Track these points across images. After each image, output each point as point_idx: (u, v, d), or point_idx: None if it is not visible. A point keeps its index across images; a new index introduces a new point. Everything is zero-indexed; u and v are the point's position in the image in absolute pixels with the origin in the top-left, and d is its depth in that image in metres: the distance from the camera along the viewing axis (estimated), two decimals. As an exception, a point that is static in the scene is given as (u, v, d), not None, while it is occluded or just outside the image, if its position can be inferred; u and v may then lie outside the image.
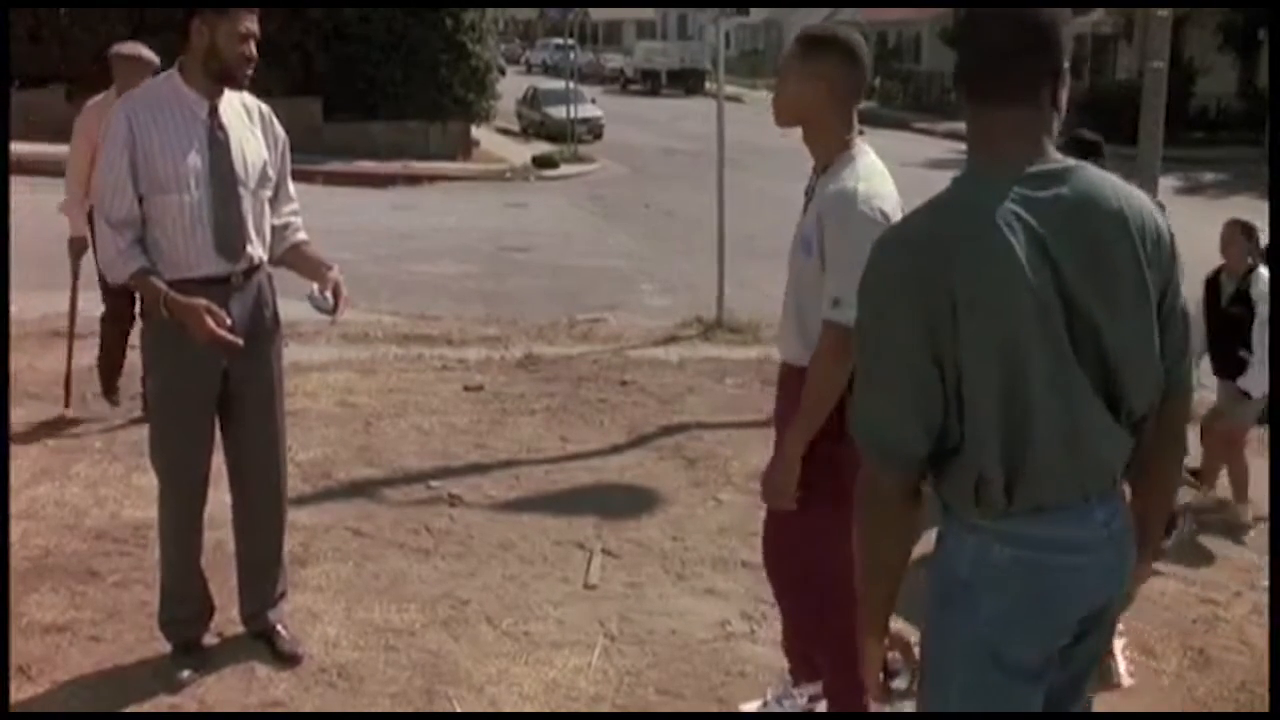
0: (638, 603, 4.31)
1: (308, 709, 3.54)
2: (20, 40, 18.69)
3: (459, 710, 3.58)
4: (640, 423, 6.48)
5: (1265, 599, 4.54)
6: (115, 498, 5.01)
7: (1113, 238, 1.95)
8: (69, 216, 5.94)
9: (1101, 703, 3.69)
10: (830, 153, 3.03)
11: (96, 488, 5.13)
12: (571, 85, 25.39)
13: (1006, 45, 1.95)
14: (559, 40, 44.83)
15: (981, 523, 2.00)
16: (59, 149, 18.14)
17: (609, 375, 7.45)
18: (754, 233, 11.50)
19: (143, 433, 5.54)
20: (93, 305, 8.19)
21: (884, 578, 2.09)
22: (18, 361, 6.63)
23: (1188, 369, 2.13)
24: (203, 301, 3.31)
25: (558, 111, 26.38)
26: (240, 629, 3.85)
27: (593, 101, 29.36)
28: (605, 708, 3.63)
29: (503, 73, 24.49)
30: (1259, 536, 5.32)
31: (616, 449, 6.06)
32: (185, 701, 3.53)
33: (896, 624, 2.16)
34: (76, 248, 5.96)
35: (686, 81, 45.81)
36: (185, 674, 3.61)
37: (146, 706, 3.50)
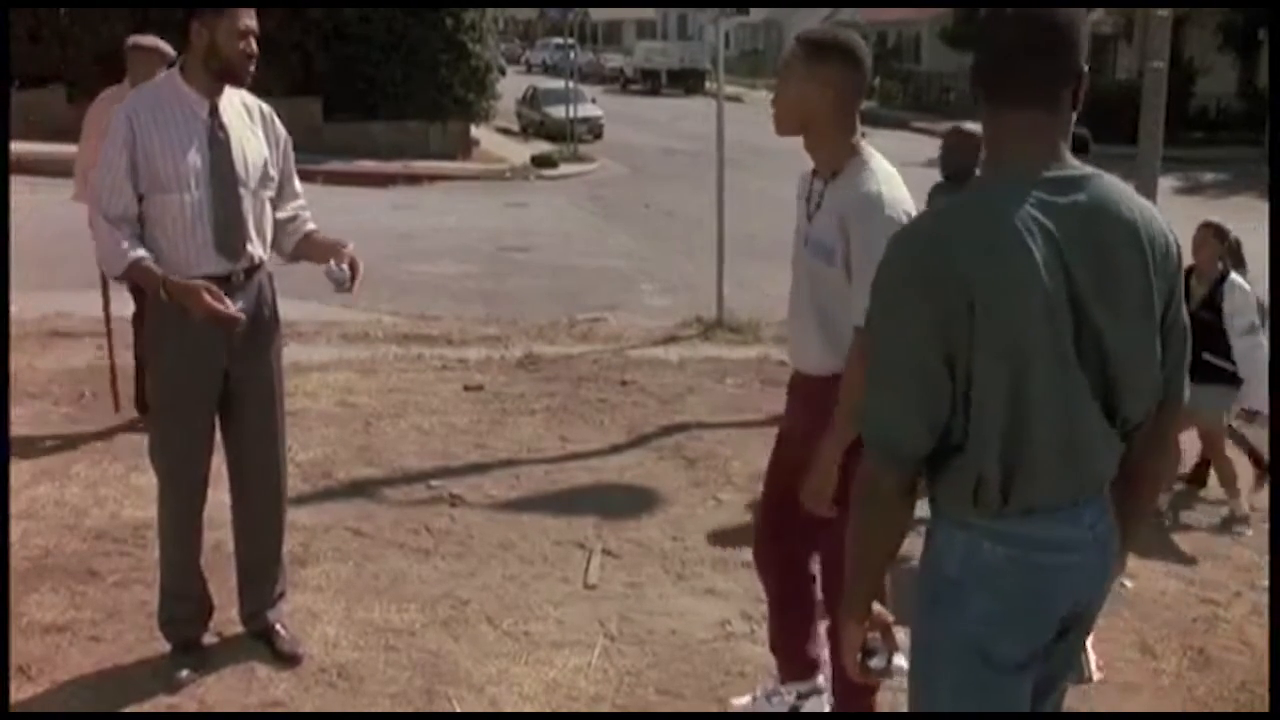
0: (638, 603, 4.31)
1: (308, 709, 3.54)
2: (20, 40, 18.70)
3: (459, 710, 3.58)
4: (640, 423, 6.48)
5: (1265, 599, 4.54)
6: (115, 498, 5.01)
7: (1125, 247, 1.96)
8: (87, 203, 5.93)
9: (1102, 702, 3.71)
10: (837, 158, 3.01)
11: (96, 488, 5.13)
12: (571, 85, 25.39)
13: (1028, 47, 1.95)
14: (559, 40, 44.84)
15: (973, 521, 2.01)
16: (59, 149, 18.22)
17: (609, 375, 7.45)
18: (754, 233, 11.50)
19: (142, 433, 5.56)
20: (94, 305, 8.21)
21: (874, 572, 2.11)
22: (18, 361, 6.63)
23: (1183, 380, 2.14)
24: (201, 281, 3.32)
25: (558, 111, 26.40)
26: (240, 629, 3.85)
27: (593, 101, 29.37)
28: (605, 708, 3.63)
29: (503, 72, 24.52)
30: (1259, 537, 5.32)
31: (616, 449, 6.06)
32: (185, 701, 3.53)
33: (875, 606, 2.18)
34: None
35: (686, 81, 45.82)
36: (185, 674, 3.60)
37: (146, 706, 3.50)
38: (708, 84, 43.46)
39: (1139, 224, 1.98)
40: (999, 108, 1.99)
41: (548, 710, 3.60)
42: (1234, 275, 5.59)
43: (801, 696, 3.48)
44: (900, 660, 2.21)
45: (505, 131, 28.00)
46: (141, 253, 3.35)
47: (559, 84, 28.19)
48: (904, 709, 2.31)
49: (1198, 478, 5.99)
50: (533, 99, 30.00)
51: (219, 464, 3.70)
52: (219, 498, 3.75)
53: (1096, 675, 2.32)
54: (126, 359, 6.98)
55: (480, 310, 9.60)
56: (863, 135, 3.05)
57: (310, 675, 3.70)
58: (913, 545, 2.17)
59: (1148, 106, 7.18)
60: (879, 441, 1.99)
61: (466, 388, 7.00)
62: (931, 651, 2.09)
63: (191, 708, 3.51)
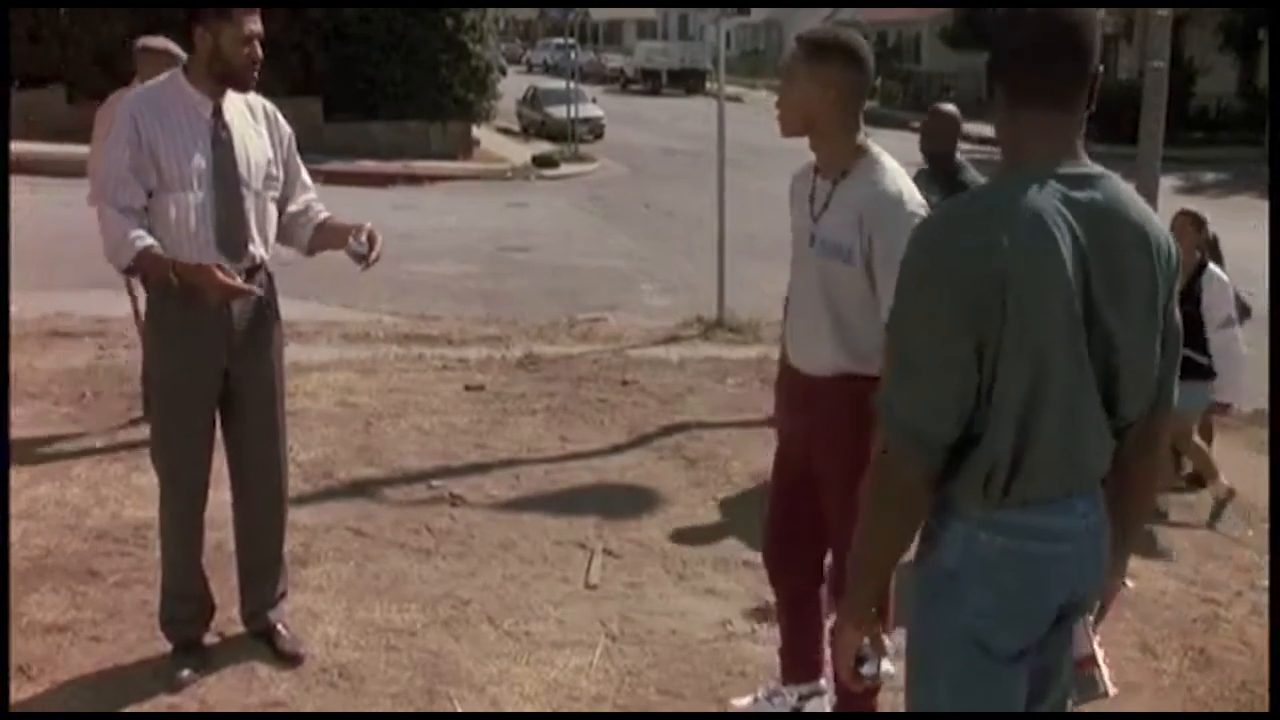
0: (638, 603, 4.30)
1: (308, 709, 3.54)
2: (20, 40, 18.69)
3: (460, 710, 3.58)
4: (641, 422, 6.48)
5: (1265, 599, 4.54)
6: (116, 498, 5.01)
7: (1134, 249, 1.98)
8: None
9: (1103, 703, 3.70)
10: (843, 157, 3.01)
11: (97, 487, 5.13)
12: (572, 85, 25.39)
13: (1048, 48, 1.96)
14: (559, 40, 44.84)
15: (971, 513, 2.02)
16: (59, 149, 18.26)
17: (609, 375, 7.45)
18: (754, 233, 11.50)
19: (143, 433, 5.56)
20: (94, 305, 8.21)
21: (881, 574, 2.11)
22: (18, 361, 6.63)
23: (1175, 382, 2.15)
24: (211, 262, 3.31)
25: (558, 111, 26.40)
26: (241, 629, 3.85)
27: (593, 101, 29.35)
28: (606, 708, 3.63)
29: (503, 72, 24.53)
30: (1259, 537, 5.32)
31: (617, 449, 6.06)
32: (185, 701, 3.52)
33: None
34: None
35: (687, 81, 45.83)
36: (185, 674, 3.60)
37: (146, 706, 3.50)
38: (708, 84, 43.46)
39: (1146, 227, 2.00)
40: (1017, 107, 2.00)
41: (549, 710, 3.60)
42: (1212, 266, 5.57)
43: (803, 698, 3.48)
44: (888, 666, 2.20)
45: (506, 131, 28.00)
46: (150, 241, 3.33)
47: (560, 84, 28.18)
48: (904, 708, 2.30)
49: (1199, 479, 5.99)
50: (533, 99, 29.99)
51: (219, 464, 3.70)
52: (219, 497, 3.75)
53: (1112, 690, 2.31)
54: (127, 358, 7.00)
55: (480, 310, 9.60)
56: (867, 134, 3.05)
57: (311, 675, 3.69)
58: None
59: (1148, 106, 7.18)
60: (908, 430, 1.96)
61: (467, 388, 7.00)
62: (930, 645, 2.10)
63: (192, 707, 3.51)
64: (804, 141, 3.10)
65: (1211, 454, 5.78)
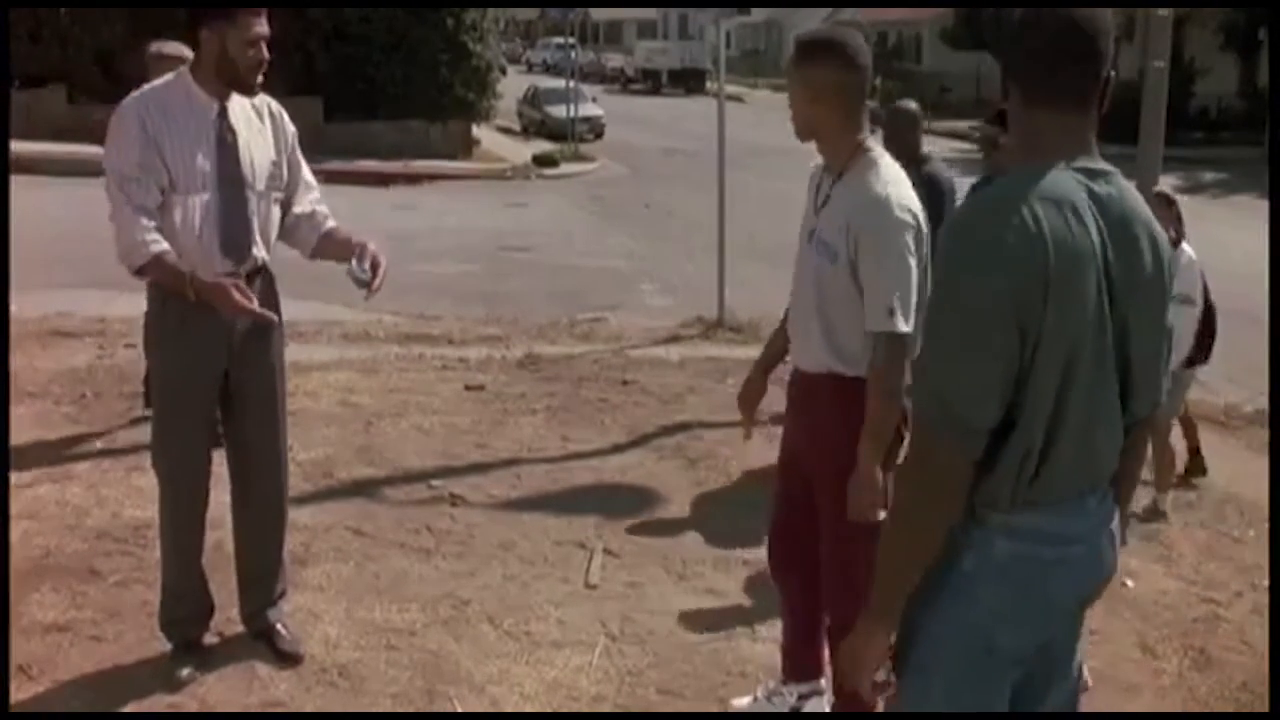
0: (638, 603, 4.30)
1: (308, 709, 3.54)
2: (20, 40, 18.69)
3: (460, 710, 3.58)
4: (641, 422, 6.48)
5: (1266, 599, 4.54)
6: (116, 497, 5.01)
7: (1144, 246, 2.02)
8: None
9: (1102, 702, 3.71)
10: (842, 156, 3.02)
11: (97, 487, 5.13)
12: (572, 84, 25.38)
13: (1066, 51, 1.99)
14: (560, 39, 44.83)
15: (990, 518, 2.02)
16: (59, 148, 18.23)
17: (610, 375, 7.44)
18: (754, 232, 11.50)
19: (143, 433, 5.55)
20: (94, 305, 8.22)
21: (917, 566, 2.04)
22: (18, 361, 6.63)
23: (1165, 383, 2.17)
24: (228, 279, 3.31)
25: (558, 110, 26.39)
26: (241, 628, 3.85)
27: (594, 101, 29.35)
28: (606, 707, 3.63)
29: (504, 72, 24.48)
30: (1259, 536, 5.32)
31: (617, 449, 6.06)
32: (185, 701, 3.53)
33: None
34: None
35: (687, 81, 45.84)
36: (185, 673, 3.60)
37: (146, 706, 3.50)
38: (708, 84, 43.45)
39: (1151, 225, 2.04)
40: (1033, 108, 2.03)
41: (549, 710, 3.60)
42: (1185, 245, 5.60)
43: (803, 697, 3.48)
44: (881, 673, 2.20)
45: (506, 131, 27.99)
46: (165, 247, 3.33)
47: (560, 83, 28.17)
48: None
49: (1195, 468, 5.98)
50: (534, 98, 29.99)
51: (219, 464, 3.70)
52: (219, 497, 3.75)
53: (1089, 682, 2.33)
54: (127, 357, 7.00)
55: (481, 310, 9.59)
56: (873, 133, 3.06)
57: (311, 675, 3.70)
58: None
59: (1148, 106, 7.18)
60: (947, 414, 1.94)
61: (467, 387, 7.00)
62: (934, 639, 2.09)
63: (192, 707, 3.51)
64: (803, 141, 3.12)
65: (1175, 455, 5.75)
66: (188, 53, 5.44)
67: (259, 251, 3.54)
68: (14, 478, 4.90)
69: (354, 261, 3.52)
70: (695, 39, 54.60)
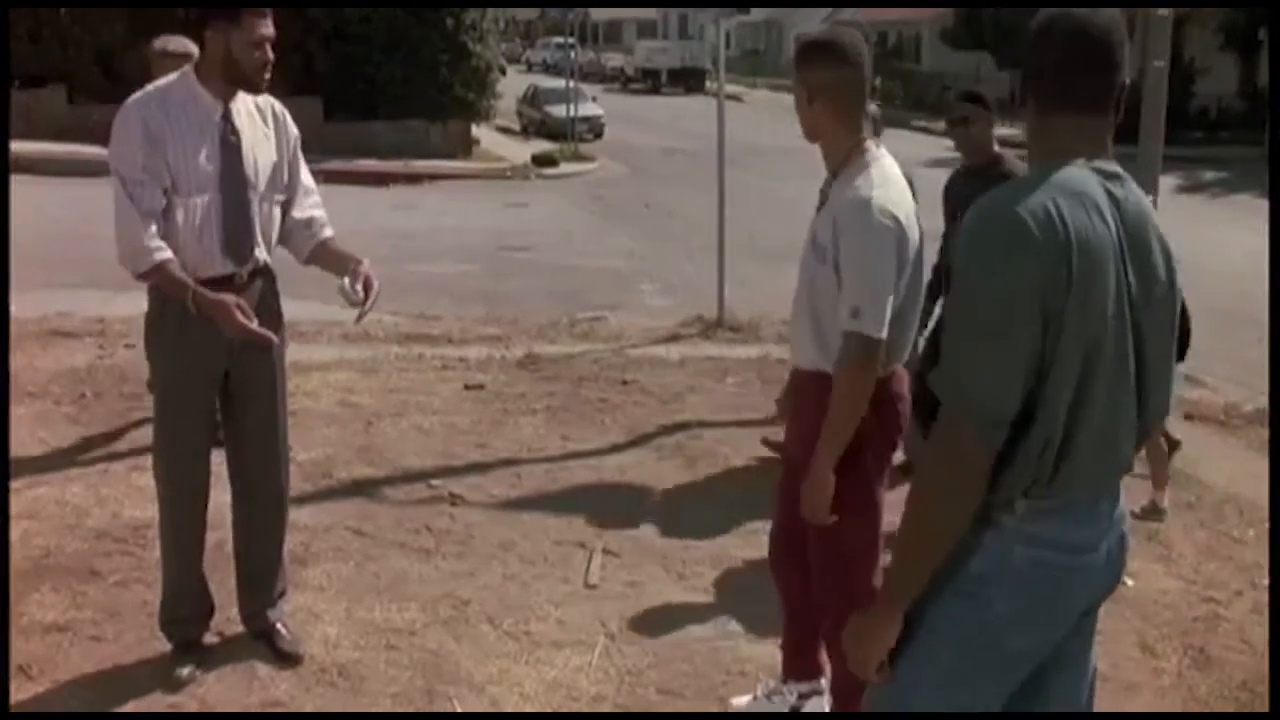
0: (638, 602, 4.30)
1: (308, 709, 3.54)
2: (20, 40, 18.69)
3: (460, 710, 3.58)
4: (641, 422, 6.47)
5: (1266, 598, 4.54)
6: (116, 497, 5.01)
7: (1158, 253, 2.05)
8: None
9: (1102, 702, 3.70)
10: (838, 157, 3.03)
11: (97, 487, 5.13)
12: (572, 84, 25.38)
13: (1084, 61, 2.01)
14: (560, 39, 44.84)
15: (1003, 520, 2.03)
16: (59, 148, 18.22)
17: (610, 374, 7.44)
18: (754, 232, 11.51)
19: (143, 433, 5.56)
20: (94, 305, 8.22)
21: (934, 557, 2.04)
22: (18, 361, 6.63)
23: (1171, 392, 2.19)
24: (231, 297, 3.30)
25: (558, 110, 26.39)
26: (241, 628, 3.85)
27: (593, 100, 29.35)
28: (606, 707, 3.63)
29: (503, 72, 24.47)
30: (1259, 536, 5.32)
31: (617, 448, 6.06)
32: (185, 701, 3.53)
33: None
34: None
35: (687, 80, 45.86)
36: (185, 673, 3.60)
37: (146, 706, 3.50)
38: (708, 83, 43.48)
39: (1162, 234, 2.07)
40: (1049, 113, 2.06)
41: (548, 710, 3.60)
42: None
43: (803, 696, 3.49)
44: None
45: (506, 131, 27.98)
46: (169, 255, 3.33)
47: (560, 83, 28.18)
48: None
49: (1172, 447, 5.92)
50: (534, 98, 29.99)
51: (219, 463, 3.70)
52: (219, 497, 3.75)
53: None
54: (127, 357, 7.00)
55: (481, 310, 9.59)
56: (876, 134, 3.06)
57: (311, 675, 3.70)
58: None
59: (1148, 106, 7.17)
60: (972, 400, 1.95)
61: (467, 387, 7.00)
62: (938, 634, 2.10)
63: (192, 707, 3.51)
64: (803, 141, 3.14)
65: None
66: (193, 49, 5.46)
67: (260, 252, 3.54)
68: (14, 478, 4.90)
69: (347, 281, 3.52)
70: (695, 38, 54.63)
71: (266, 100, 3.57)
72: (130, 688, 3.57)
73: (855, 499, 3.01)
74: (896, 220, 2.89)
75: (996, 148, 5.23)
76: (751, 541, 4.59)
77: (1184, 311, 5.95)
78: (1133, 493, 4.61)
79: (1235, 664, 4.08)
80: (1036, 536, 2.03)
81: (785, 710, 3.49)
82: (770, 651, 3.75)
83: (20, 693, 3.50)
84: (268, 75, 3.42)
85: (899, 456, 3.40)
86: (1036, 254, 1.91)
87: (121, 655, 3.76)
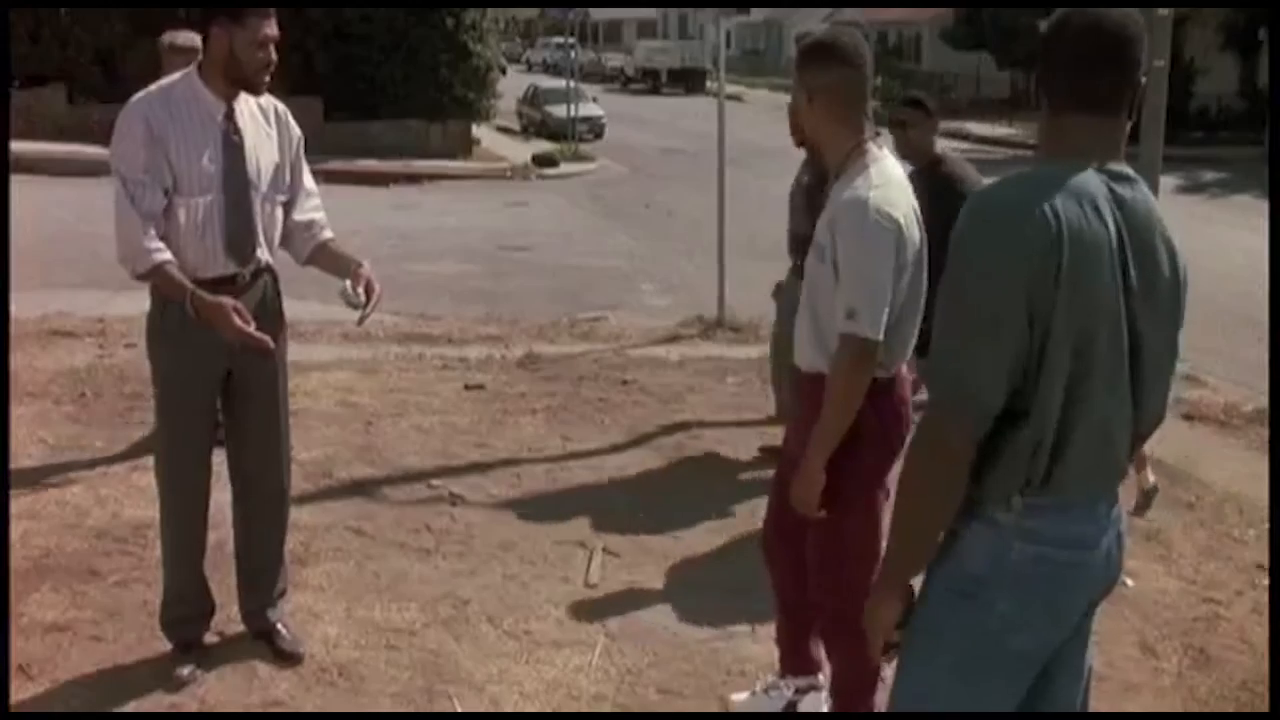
0: (638, 602, 4.30)
1: (308, 708, 3.54)
2: (20, 40, 18.71)
3: (460, 710, 3.58)
4: (641, 422, 6.47)
5: (1266, 598, 4.54)
6: (116, 497, 5.01)
7: (1163, 256, 2.04)
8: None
9: (1102, 702, 3.70)
10: (838, 158, 3.02)
11: (97, 487, 5.13)
12: (572, 84, 25.38)
13: (1096, 57, 2.00)
14: (560, 39, 44.85)
15: (1000, 518, 2.03)
16: (59, 148, 18.21)
17: (610, 374, 7.44)
18: (754, 232, 11.48)
19: (143, 432, 5.56)
20: (94, 304, 8.22)
21: (926, 541, 2.09)
22: (18, 361, 6.63)
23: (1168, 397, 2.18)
24: (230, 301, 3.30)
25: (558, 110, 26.39)
26: (241, 628, 3.86)
27: (594, 100, 29.35)
28: (606, 707, 3.63)
29: (503, 72, 24.49)
30: (1259, 536, 5.31)
31: (617, 448, 6.06)
32: (186, 701, 3.53)
33: None
34: None
35: (687, 80, 45.84)
36: (186, 673, 3.60)
37: (147, 706, 3.50)
38: (708, 83, 43.46)
39: (1170, 238, 2.06)
40: (1062, 111, 2.05)
41: (548, 710, 3.60)
42: None
43: (800, 692, 3.49)
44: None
45: (506, 131, 27.98)
46: (168, 256, 3.32)
47: (560, 83, 28.19)
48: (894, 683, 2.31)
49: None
50: (534, 98, 29.99)
51: (219, 463, 3.70)
52: (219, 497, 3.75)
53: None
54: (127, 358, 7.00)
55: (481, 310, 9.59)
56: (877, 134, 3.05)
57: (311, 674, 3.70)
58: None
59: (1148, 106, 7.16)
60: (957, 393, 1.98)
61: (467, 387, 7.00)
62: (942, 638, 2.11)
63: (192, 707, 3.51)
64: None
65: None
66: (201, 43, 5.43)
67: (263, 253, 3.54)
68: (14, 477, 4.90)
69: (348, 284, 3.51)
70: (695, 38, 54.64)
71: (269, 101, 3.57)
72: (130, 688, 3.57)
73: (853, 497, 3.01)
74: (894, 221, 2.88)
75: (938, 149, 5.35)
76: (751, 542, 4.58)
77: None
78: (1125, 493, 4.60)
79: (1235, 664, 4.08)
80: (1034, 533, 2.02)
81: (782, 705, 3.49)
82: (770, 650, 3.75)
83: (20, 693, 3.50)
84: (269, 76, 3.42)
85: None
86: (1025, 251, 1.91)
87: (121, 655, 3.76)
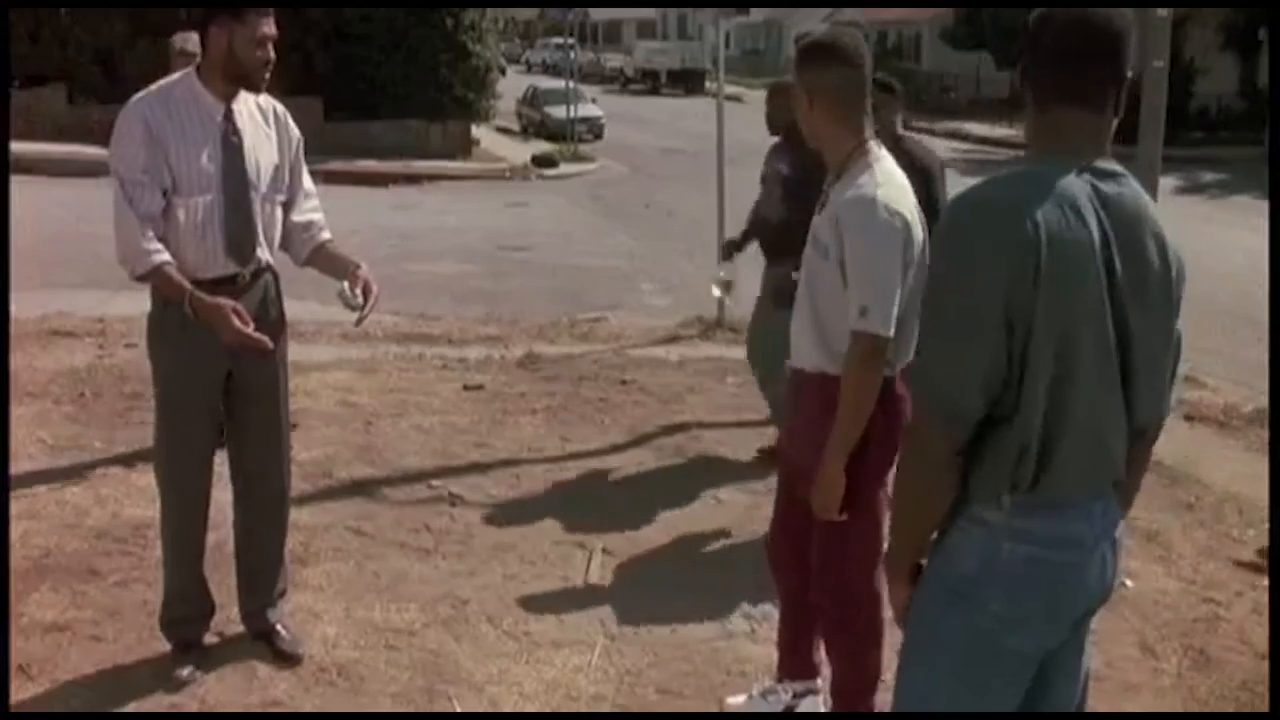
0: (638, 602, 4.30)
1: (308, 708, 3.54)
2: (20, 40, 18.71)
3: (459, 710, 3.58)
4: (640, 422, 6.47)
5: (1265, 598, 4.54)
6: (116, 497, 5.01)
7: (1155, 250, 2.02)
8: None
9: (1102, 702, 3.70)
10: (839, 157, 3.02)
11: (97, 487, 5.13)
12: (571, 85, 25.39)
13: (1080, 50, 2.00)
14: (559, 39, 44.84)
15: (991, 517, 2.03)
16: (59, 148, 18.21)
17: (609, 375, 7.44)
18: (754, 232, 11.47)
19: (143, 432, 5.56)
20: (94, 304, 8.22)
21: (922, 533, 2.14)
22: (18, 361, 6.63)
23: (1170, 393, 2.17)
24: (229, 302, 3.30)
25: (558, 111, 26.40)
26: (240, 628, 3.85)
27: (593, 101, 29.36)
28: (606, 707, 3.63)
29: (503, 72, 24.50)
30: (1259, 537, 5.31)
31: (617, 448, 6.06)
32: (185, 701, 3.53)
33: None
34: None
35: (686, 81, 45.82)
36: (185, 673, 3.60)
37: (146, 706, 3.50)
38: (708, 84, 43.42)
39: (1162, 232, 2.04)
40: (1046, 105, 2.04)
41: (548, 710, 3.60)
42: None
43: (798, 695, 3.48)
44: None
45: (505, 131, 27.98)
46: (166, 257, 3.33)
47: (559, 84, 28.19)
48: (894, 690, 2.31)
49: None
50: (533, 99, 29.99)
51: (219, 463, 3.70)
52: (219, 497, 3.75)
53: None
54: (127, 357, 7.00)
55: (480, 310, 9.59)
56: (878, 133, 3.06)
57: (310, 675, 3.70)
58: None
59: (1148, 106, 7.17)
60: (935, 399, 1.99)
61: (467, 387, 7.00)
62: (942, 644, 2.11)
63: (192, 707, 3.51)
64: None
65: None
66: None
67: (263, 253, 3.54)
68: (14, 477, 4.90)
69: (346, 285, 3.52)
70: (694, 39, 54.60)
71: (268, 101, 3.57)
72: (130, 688, 3.57)
73: (859, 499, 3.00)
74: (902, 218, 2.89)
75: (900, 130, 5.55)
76: (751, 542, 4.59)
77: None
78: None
79: (1235, 664, 4.08)
80: (1026, 533, 2.02)
81: (780, 709, 3.49)
82: (769, 652, 3.75)
83: (20, 693, 3.50)
84: (268, 74, 3.42)
85: None
86: (1003, 256, 1.91)
87: (121, 655, 3.76)
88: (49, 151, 16.43)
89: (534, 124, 28.97)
